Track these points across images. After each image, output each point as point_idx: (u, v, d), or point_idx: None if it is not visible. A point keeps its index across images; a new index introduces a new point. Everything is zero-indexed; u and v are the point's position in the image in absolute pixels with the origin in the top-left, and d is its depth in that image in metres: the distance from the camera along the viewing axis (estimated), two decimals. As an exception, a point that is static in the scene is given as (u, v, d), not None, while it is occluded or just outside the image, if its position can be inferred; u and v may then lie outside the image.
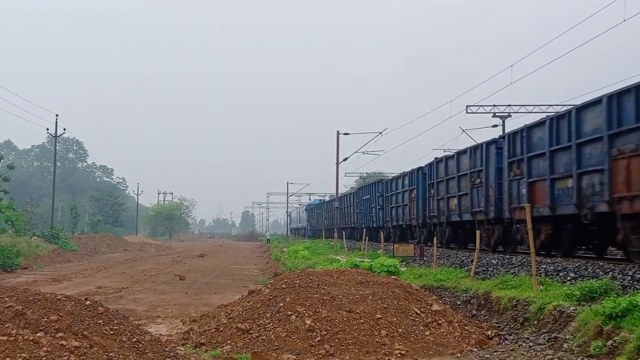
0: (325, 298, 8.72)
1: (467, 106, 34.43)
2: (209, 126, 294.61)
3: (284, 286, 9.37)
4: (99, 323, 6.69)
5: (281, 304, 8.64)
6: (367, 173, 68.88)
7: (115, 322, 6.96)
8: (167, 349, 6.90)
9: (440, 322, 8.61)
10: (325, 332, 7.77)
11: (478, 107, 34.34)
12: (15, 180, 65.82)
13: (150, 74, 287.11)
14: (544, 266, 12.13)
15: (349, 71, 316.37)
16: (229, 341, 8.08)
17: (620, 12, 17.75)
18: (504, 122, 34.81)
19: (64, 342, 5.53)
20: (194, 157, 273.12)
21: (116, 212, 78.33)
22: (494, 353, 7.68)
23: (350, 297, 8.83)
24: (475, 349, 7.90)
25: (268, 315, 8.48)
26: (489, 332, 8.82)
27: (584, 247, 14.78)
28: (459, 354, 7.65)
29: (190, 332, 9.18)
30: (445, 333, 8.30)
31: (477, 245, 13.05)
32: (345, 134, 41.46)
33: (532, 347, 7.70)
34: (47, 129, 43.96)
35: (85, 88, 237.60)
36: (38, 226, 42.49)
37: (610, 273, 10.15)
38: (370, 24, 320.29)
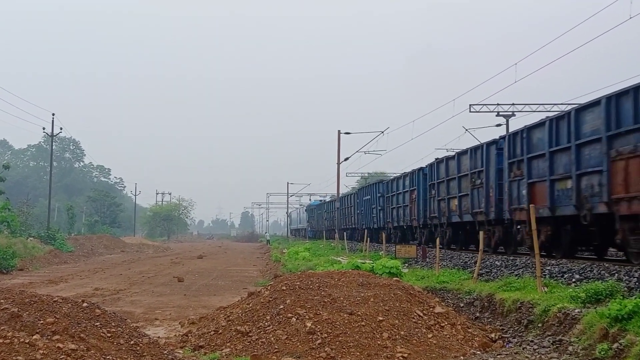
0: (326, 300, 8.71)
1: (470, 105, 34.43)
2: (209, 126, 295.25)
3: (284, 288, 9.37)
4: (96, 325, 6.70)
5: (281, 306, 8.64)
6: (368, 173, 68.95)
7: (113, 324, 6.97)
8: (165, 352, 6.90)
9: (443, 324, 8.60)
10: (326, 335, 7.77)
11: (481, 106, 34.33)
12: (10, 180, 65.88)
13: (150, 73, 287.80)
14: (548, 268, 12.13)
15: (349, 71, 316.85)
16: (228, 344, 8.08)
17: (626, 9, 17.76)
18: (507, 121, 34.77)
19: (61, 345, 5.53)
20: (192, 157, 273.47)
21: (113, 212, 78.39)
22: (498, 356, 7.66)
23: (352, 299, 8.83)
24: (478, 352, 7.90)
25: (268, 317, 8.48)
26: (493, 335, 8.82)
27: (584, 248, 14.91)
28: (462, 357, 7.64)
29: (189, 334, 9.18)
30: (448, 336, 8.30)
31: (481, 247, 13.05)
32: (346, 133, 41.48)
33: (537, 350, 7.69)
34: (44, 128, 44.06)
35: (85, 88, 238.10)
36: (34, 227, 42.53)
37: (616, 275, 10.15)
38: (370, 24, 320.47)
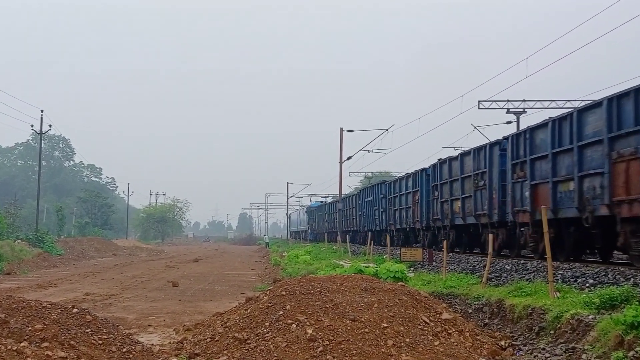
0: (327, 306, 8.71)
1: (479, 101, 34.46)
2: (206, 125, 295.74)
3: (284, 293, 9.37)
4: (87, 332, 6.70)
5: (281, 312, 8.64)
6: (372, 172, 68.81)
7: (104, 331, 6.97)
8: (159, 360, 6.91)
9: (450, 331, 8.60)
10: (327, 342, 7.77)
11: (491, 102, 34.33)
12: (-3, 180, 65.98)
13: (146, 71, 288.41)
14: (560, 272, 12.14)
15: (352, 66, 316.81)
16: (225, 351, 8.08)
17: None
18: (518, 118, 34.74)
19: (50, 353, 5.54)
20: (188, 157, 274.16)
21: (105, 214, 78.48)
22: (508, 365, 7.67)
23: (355, 304, 8.82)
24: (487, 360, 7.90)
25: (267, 324, 8.47)
26: (503, 342, 8.81)
27: (588, 251, 15.08)
28: (470, 366, 7.64)
29: (184, 341, 9.18)
30: (455, 343, 8.29)
31: (490, 250, 13.06)
32: (349, 131, 41.50)
33: (549, 358, 7.69)
34: (32, 126, 44.23)
35: (76, 86, 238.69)
36: (22, 229, 42.54)
37: (632, 279, 10.15)
38: (376, 19, 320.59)
